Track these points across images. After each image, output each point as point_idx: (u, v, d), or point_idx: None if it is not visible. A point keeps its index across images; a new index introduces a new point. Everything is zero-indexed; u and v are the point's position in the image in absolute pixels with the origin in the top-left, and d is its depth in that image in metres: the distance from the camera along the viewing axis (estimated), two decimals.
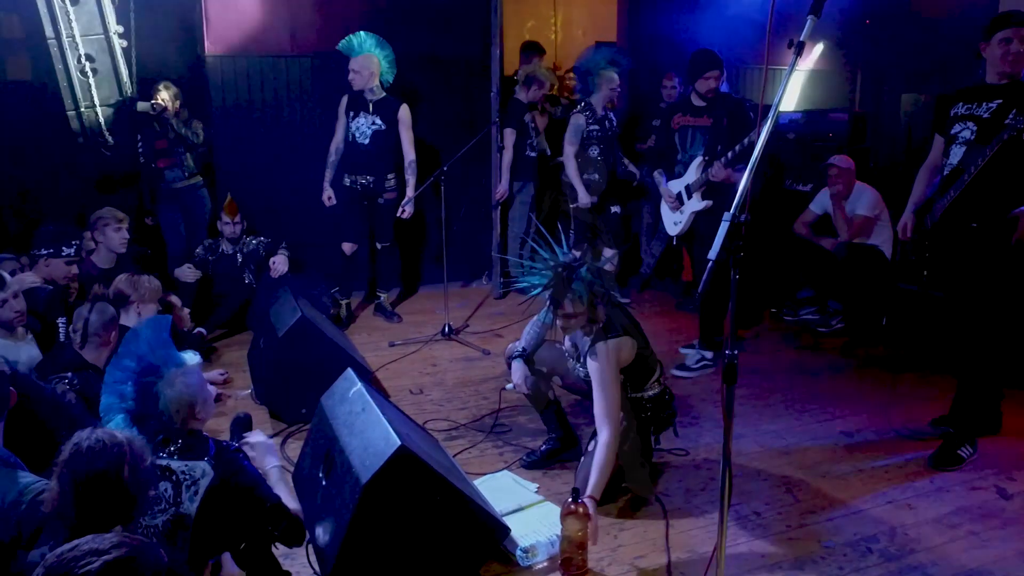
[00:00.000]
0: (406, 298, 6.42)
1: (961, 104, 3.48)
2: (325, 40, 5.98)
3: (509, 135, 6.08)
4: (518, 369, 3.50)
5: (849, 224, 5.30)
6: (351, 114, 5.38)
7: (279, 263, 5.28)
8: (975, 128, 3.39)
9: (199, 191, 5.68)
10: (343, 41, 5.31)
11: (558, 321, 3.17)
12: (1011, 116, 3.27)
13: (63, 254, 4.22)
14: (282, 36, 5.97)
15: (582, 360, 3.30)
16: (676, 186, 4.76)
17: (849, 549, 2.96)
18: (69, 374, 3.25)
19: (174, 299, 4.53)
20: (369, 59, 5.26)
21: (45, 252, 4.20)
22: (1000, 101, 3.34)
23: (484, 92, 6.09)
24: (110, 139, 5.50)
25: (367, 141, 5.38)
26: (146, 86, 5.48)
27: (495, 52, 6.01)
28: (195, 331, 4.96)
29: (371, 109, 5.37)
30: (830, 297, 5.63)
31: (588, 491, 2.92)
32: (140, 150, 5.47)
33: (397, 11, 6.09)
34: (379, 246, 5.72)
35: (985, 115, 3.37)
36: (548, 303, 3.19)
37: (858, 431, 3.95)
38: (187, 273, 5.30)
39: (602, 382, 3.09)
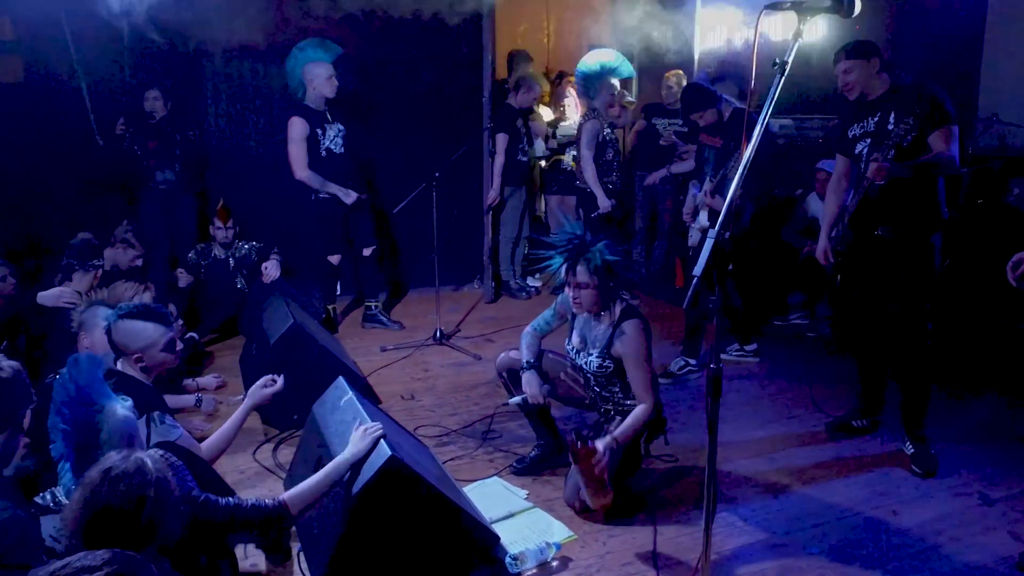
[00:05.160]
0: (396, 302, 6.43)
1: (856, 125, 3.66)
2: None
3: (501, 140, 6.12)
4: (532, 380, 3.42)
5: None
6: (319, 131, 5.26)
7: (271, 268, 5.30)
8: (869, 142, 3.57)
9: (187, 195, 5.71)
10: (311, 46, 5.34)
11: (570, 293, 3.25)
12: (891, 122, 3.43)
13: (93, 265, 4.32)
14: (275, 40, 5.97)
15: (594, 350, 3.31)
16: (697, 200, 4.86)
17: (834, 555, 2.99)
18: None
19: (171, 307, 4.55)
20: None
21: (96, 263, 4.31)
22: (880, 112, 3.52)
23: (476, 97, 6.12)
24: (100, 141, 5.54)
25: (343, 150, 5.37)
26: (139, 89, 5.52)
27: (487, 58, 6.04)
28: (187, 336, 4.98)
29: (330, 118, 5.33)
30: (819, 302, 5.68)
31: (616, 435, 3.14)
32: (131, 144, 5.48)
33: (388, 16, 6.10)
34: (366, 252, 5.66)
35: (872, 128, 3.56)
36: (562, 277, 3.26)
37: (845, 437, 3.99)
38: (182, 277, 5.32)
39: (638, 356, 3.21)
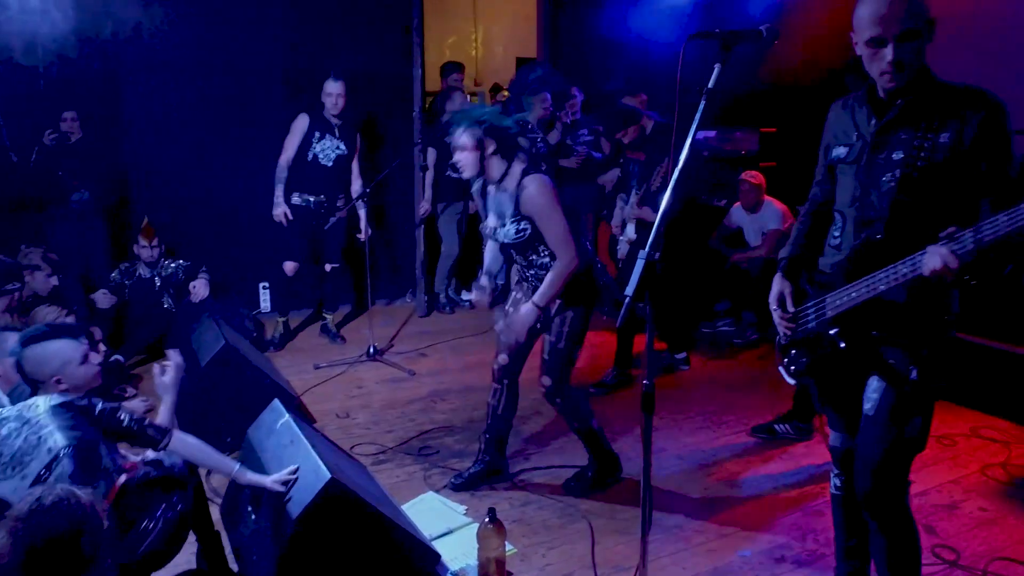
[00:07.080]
0: (356, 316, 6.38)
1: None
2: (241, 57, 5.91)
3: (431, 154, 6.15)
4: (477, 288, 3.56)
5: (764, 242, 5.56)
6: (316, 135, 5.40)
7: (199, 287, 5.20)
8: None
9: (99, 216, 5.57)
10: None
11: (456, 155, 3.33)
12: None
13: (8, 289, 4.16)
14: (198, 54, 5.85)
15: (507, 219, 3.31)
16: (625, 213, 4.95)
17: (764, 557, 3.11)
18: None
19: (95, 331, 4.43)
20: (344, 85, 5.36)
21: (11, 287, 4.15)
22: None
23: (406, 111, 6.12)
24: (14, 157, 5.35)
25: (331, 164, 5.44)
26: (59, 103, 5.35)
27: (417, 72, 6.05)
28: (112, 358, 4.84)
29: (337, 134, 5.44)
30: (745, 309, 5.87)
31: (535, 299, 3.24)
32: (45, 159, 5.30)
33: (316, 28, 6.06)
34: (328, 267, 5.68)
35: None
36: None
37: (773, 441, 4.13)
38: (102, 298, 5.16)
39: (543, 210, 3.21)
